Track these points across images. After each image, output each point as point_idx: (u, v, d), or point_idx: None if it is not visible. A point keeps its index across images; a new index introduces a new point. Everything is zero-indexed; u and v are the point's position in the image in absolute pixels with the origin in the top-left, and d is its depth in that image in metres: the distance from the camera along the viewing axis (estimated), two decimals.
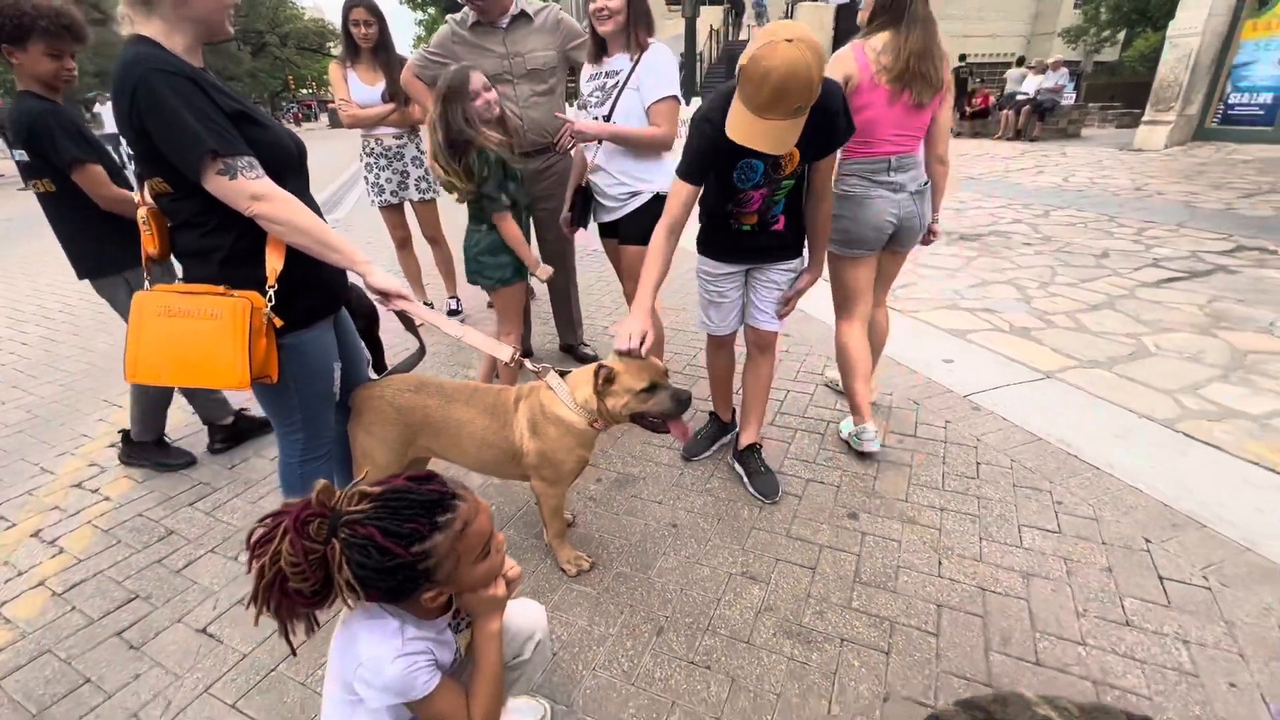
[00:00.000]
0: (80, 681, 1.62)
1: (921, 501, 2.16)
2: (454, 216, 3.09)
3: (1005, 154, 10.69)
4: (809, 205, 2.00)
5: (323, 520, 0.89)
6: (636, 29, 2.28)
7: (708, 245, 2.14)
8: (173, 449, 2.61)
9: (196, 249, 1.39)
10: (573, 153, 2.68)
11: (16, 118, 2.06)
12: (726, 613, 1.74)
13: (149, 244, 1.42)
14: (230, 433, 2.70)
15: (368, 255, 1.48)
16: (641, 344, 1.66)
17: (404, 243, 4.00)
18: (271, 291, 1.38)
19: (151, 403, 2.49)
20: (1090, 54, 25.94)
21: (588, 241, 3.56)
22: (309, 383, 1.56)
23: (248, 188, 1.29)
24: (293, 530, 0.86)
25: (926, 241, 2.43)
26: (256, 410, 2.83)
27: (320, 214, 1.48)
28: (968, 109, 13.98)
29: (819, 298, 2.87)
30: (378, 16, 3.45)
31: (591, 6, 2.27)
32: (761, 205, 1.94)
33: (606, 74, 2.39)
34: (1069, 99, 13.08)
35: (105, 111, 16.11)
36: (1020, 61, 14.98)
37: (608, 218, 2.57)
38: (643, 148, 2.38)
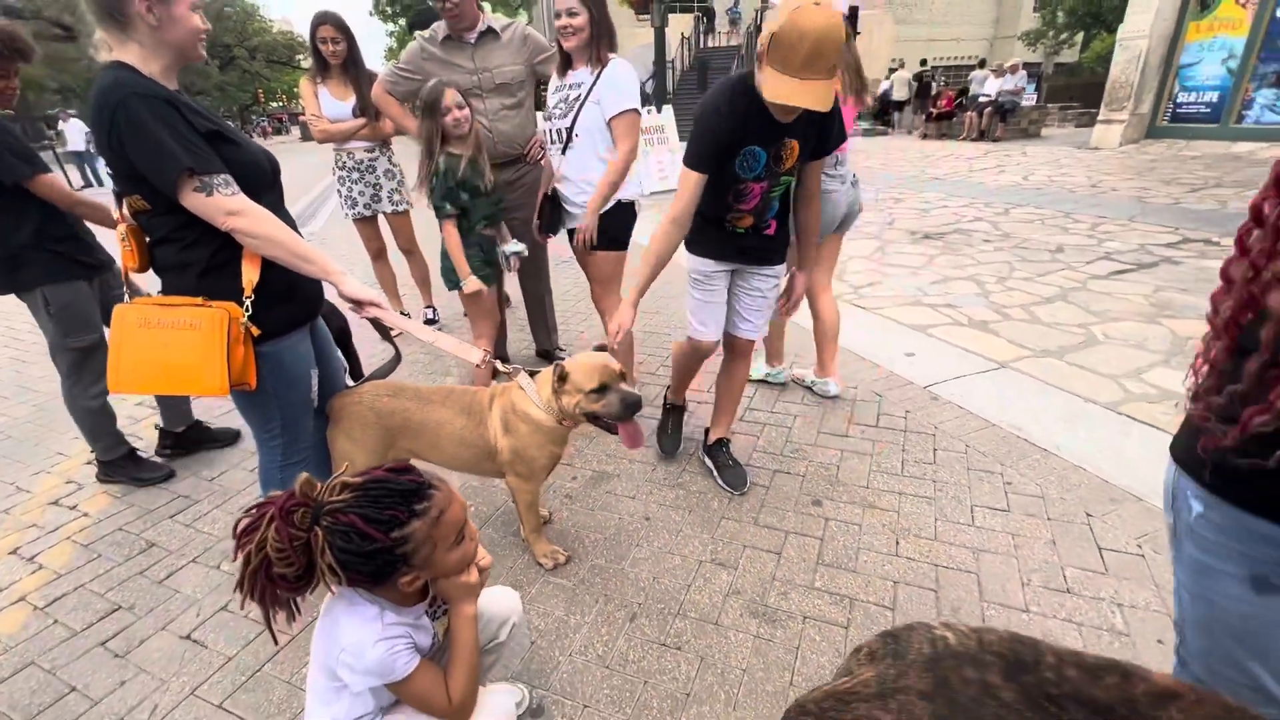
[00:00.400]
0: (66, 690, 1.65)
1: (882, 487, 2.27)
2: (428, 228, 3.15)
3: (969, 154, 11.01)
4: (800, 206, 2.11)
5: (306, 509, 0.96)
6: (599, 44, 2.39)
7: (701, 244, 2.13)
8: (149, 463, 2.63)
9: (176, 263, 1.45)
10: (541, 162, 2.78)
11: None
12: (696, 597, 1.83)
13: (128, 259, 1.47)
14: (177, 440, 2.73)
15: (343, 267, 1.55)
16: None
17: (379, 254, 4.05)
18: (248, 302, 1.45)
19: (93, 420, 2.49)
20: (1050, 56, 26.79)
21: (559, 251, 3.64)
22: (287, 389, 1.62)
23: (223, 204, 1.36)
24: (278, 518, 0.93)
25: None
26: (222, 422, 2.87)
27: (295, 228, 1.55)
28: (933, 111, 14.37)
29: None
30: (345, 33, 3.50)
31: (557, 23, 2.37)
32: (759, 203, 1.98)
33: (570, 86, 2.49)
34: (1029, 100, 13.54)
35: (69, 128, 15.82)
36: (982, 64, 15.45)
37: (574, 224, 2.66)
38: (623, 172, 2.49)
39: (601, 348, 1.78)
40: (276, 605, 1.02)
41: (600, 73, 2.40)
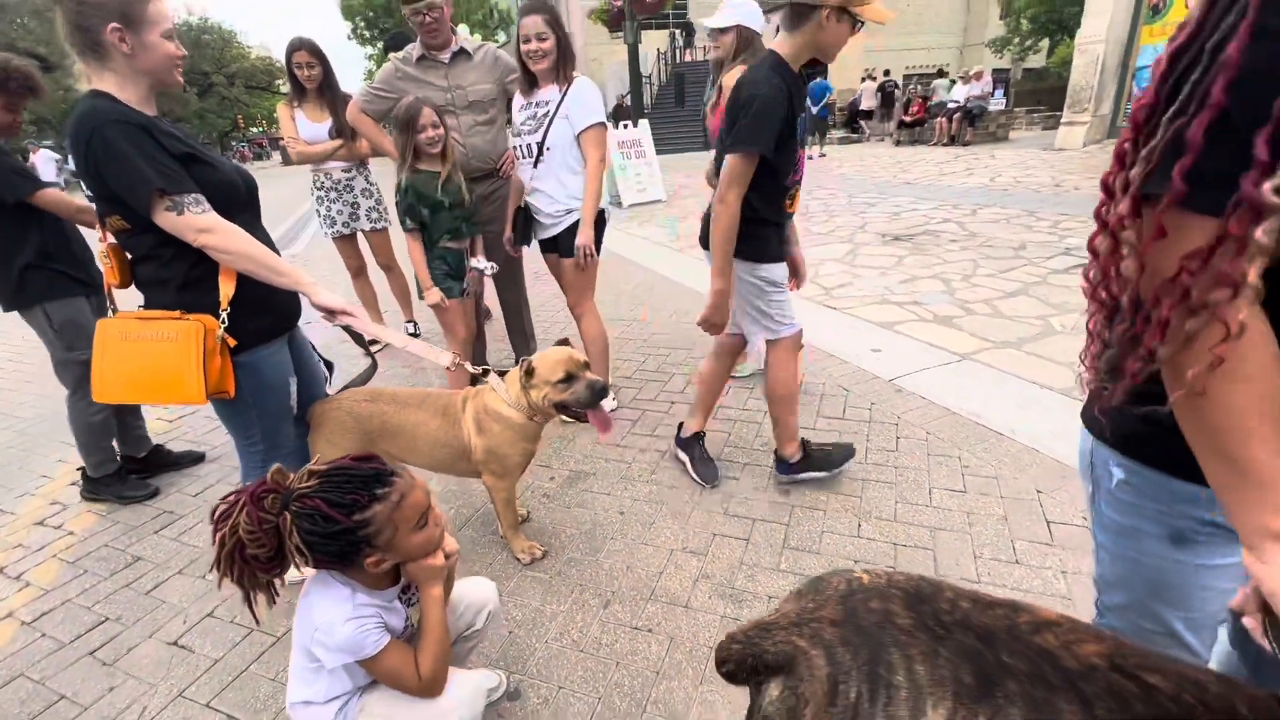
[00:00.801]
0: (55, 699, 1.70)
1: (847, 474, 2.37)
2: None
3: (940, 159, 11.30)
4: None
5: (276, 495, 1.04)
6: (565, 65, 2.56)
7: (764, 250, 2.05)
8: (134, 481, 2.67)
9: (155, 278, 1.53)
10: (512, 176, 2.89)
11: None
12: (668, 583, 1.91)
13: (110, 276, 1.55)
14: (142, 465, 2.78)
15: (320, 282, 1.64)
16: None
17: (359, 271, 4.13)
18: (224, 314, 1.53)
19: (92, 435, 2.54)
20: (1018, 62, 27.51)
21: (529, 264, 3.74)
22: (265, 397, 1.70)
23: (194, 221, 1.45)
24: (250, 504, 1.01)
25: None
26: (208, 441, 2.92)
27: (273, 246, 1.63)
28: (906, 118, 14.72)
29: None
30: (320, 58, 3.60)
31: (524, 48, 2.50)
32: (801, 174, 2.06)
33: (537, 104, 2.62)
34: (997, 104, 13.93)
35: (38, 159, 15.89)
36: (941, 73, 15.99)
37: (546, 234, 2.77)
38: (600, 178, 2.63)
39: (564, 341, 1.87)
40: (256, 588, 1.09)
41: (568, 90, 2.54)
